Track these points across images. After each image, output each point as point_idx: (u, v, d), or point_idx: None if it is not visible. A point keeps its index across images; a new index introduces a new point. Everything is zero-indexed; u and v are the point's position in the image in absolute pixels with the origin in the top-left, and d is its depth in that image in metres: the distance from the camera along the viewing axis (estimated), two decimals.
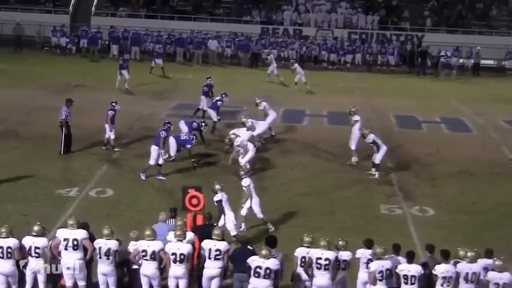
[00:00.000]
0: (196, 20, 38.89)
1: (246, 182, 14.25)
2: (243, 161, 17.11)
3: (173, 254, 10.89)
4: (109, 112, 19.20)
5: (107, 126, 19.20)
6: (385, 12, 40.02)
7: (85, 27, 37.04)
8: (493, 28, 39.15)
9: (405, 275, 10.62)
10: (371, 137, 18.22)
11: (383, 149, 18.21)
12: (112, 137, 19.23)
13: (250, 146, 17.72)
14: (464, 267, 10.72)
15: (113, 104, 19.40)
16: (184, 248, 10.91)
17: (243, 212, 14.31)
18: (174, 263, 10.91)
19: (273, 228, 14.30)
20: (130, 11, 39.85)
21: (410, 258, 10.81)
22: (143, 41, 36.20)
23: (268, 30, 38.41)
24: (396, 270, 10.74)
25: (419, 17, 39.58)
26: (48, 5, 39.63)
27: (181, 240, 10.97)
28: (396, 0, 40.69)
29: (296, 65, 29.39)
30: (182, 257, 10.86)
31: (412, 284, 10.58)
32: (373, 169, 18.24)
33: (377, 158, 18.13)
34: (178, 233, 11.03)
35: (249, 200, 14.22)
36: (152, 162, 17.13)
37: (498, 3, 40.80)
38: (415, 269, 10.64)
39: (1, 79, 27.88)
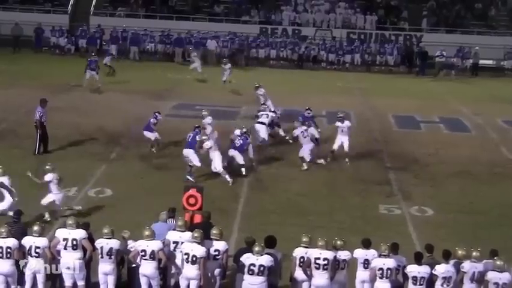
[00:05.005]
0: (195, 20, 38.87)
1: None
2: (219, 168, 17.17)
3: (186, 254, 10.89)
4: (151, 120, 19.28)
5: (146, 133, 19.15)
6: (384, 12, 40.04)
7: (84, 27, 37.02)
8: (492, 28, 39.18)
9: (414, 277, 10.64)
10: (298, 131, 18.68)
11: (309, 145, 18.57)
12: (152, 138, 19.16)
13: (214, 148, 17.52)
14: (470, 266, 10.75)
15: (156, 114, 19.54)
16: (198, 250, 10.87)
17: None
18: (187, 263, 10.91)
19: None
20: (128, 11, 39.83)
21: (419, 259, 10.80)
22: (142, 41, 36.20)
23: (267, 31, 38.40)
24: (405, 271, 10.78)
25: (417, 17, 39.58)
26: (46, 5, 39.57)
27: (198, 243, 10.92)
28: (395, 0, 40.70)
29: (229, 65, 28.31)
30: (194, 258, 10.83)
31: (421, 285, 10.61)
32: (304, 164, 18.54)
33: (302, 152, 18.56)
34: (195, 235, 10.98)
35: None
36: (198, 163, 17.03)
37: (497, 3, 40.81)
38: (424, 270, 10.65)
39: (0, 79, 27.84)
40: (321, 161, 19.00)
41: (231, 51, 35.84)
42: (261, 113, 20.66)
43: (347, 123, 19.33)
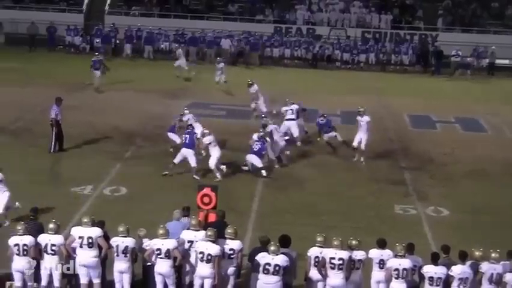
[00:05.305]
0: (209, 19, 38.89)
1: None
2: (212, 163, 17.31)
3: (201, 252, 10.90)
4: (176, 123, 19.32)
5: (170, 134, 19.15)
6: (399, 11, 39.86)
7: (99, 26, 37.17)
8: (509, 27, 38.78)
9: (430, 277, 10.59)
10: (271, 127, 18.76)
11: (282, 142, 18.77)
12: (178, 141, 18.95)
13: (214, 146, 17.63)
14: (489, 267, 10.69)
15: (182, 114, 19.57)
16: (213, 248, 10.89)
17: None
18: (201, 261, 10.92)
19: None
20: (143, 10, 39.92)
21: (436, 260, 10.75)
22: (156, 40, 36.27)
23: (281, 30, 38.34)
24: (422, 271, 10.73)
25: (433, 16, 39.35)
26: (62, 4, 39.76)
27: (212, 241, 10.94)
28: None
29: (222, 64, 28.06)
30: (209, 257, 10.85)
31: (437, 285, 10.55)
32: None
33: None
34: (209, 233, 11.01)
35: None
36: (195, 164, 17.22)
37: None
38: (441, 271, 10.59)
39: (16, 78, 28.00)
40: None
41: (238, 49, 35.77)
42: (285, 108, 20.55)
43: (365, 118, 19.15)
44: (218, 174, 17.29)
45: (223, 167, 17.65)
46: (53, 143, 18.82)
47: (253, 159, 17.67)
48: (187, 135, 17.50)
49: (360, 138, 19.04)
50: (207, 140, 17.37)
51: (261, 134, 18.13)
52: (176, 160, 17.36)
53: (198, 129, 18.17)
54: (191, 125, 18.21)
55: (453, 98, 28.98)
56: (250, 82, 23.24)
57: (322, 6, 39.70)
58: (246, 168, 17.85)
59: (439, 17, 39.06)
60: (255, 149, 17.72)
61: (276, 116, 21.16)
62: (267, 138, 18.19)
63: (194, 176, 17.12)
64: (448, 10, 39.65)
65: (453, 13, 39.69)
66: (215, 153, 17.40)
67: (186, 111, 19.62)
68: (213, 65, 33.41)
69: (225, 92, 26.92)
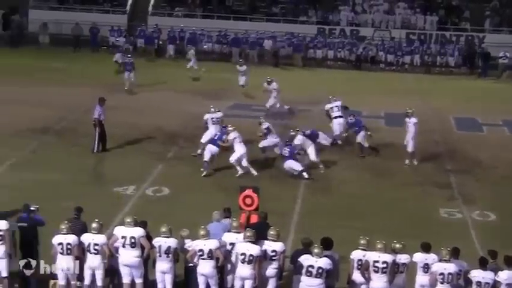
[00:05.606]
0: (252, 20, 38.86)
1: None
2: (233, 158, 17.52)
3: (242, 254, 10.87)
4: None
5: None
6: (445, 12, 39.24)
7: (143, 27, 37.47)
8: None
9: (478, 282, 10.42)
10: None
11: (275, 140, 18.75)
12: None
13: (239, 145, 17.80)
14: None
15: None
16: (254, 249, 10.85)
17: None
18: (242, 263, 10.88)
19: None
20: (186, 11, 40.10)
21: (484, 264, 10.58)
22: (199, 41, 36.36)
23: (324, 31, 38.09)
24: (469, 276, 10.54)
25: (480, 17, 38.63)
26: (106, 5, 40.20)
27: (252, 242, 10.90)
28: (457, 0, 39.84)
29: (245, 66, 27.35)
30: (251, 258, 10.81)
31: None
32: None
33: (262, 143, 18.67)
34: (248, 234, 10.97)
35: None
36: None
37: None
38: (489, 276, 10.40)
39: (60, 78, 28.36)
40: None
41: (273, 49, 35.51)
42: (329, 106, 20.67)
43: (413, 119, 18.92)
44: (239, 168, 17.47)
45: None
46: (96, 143, 18.98)
47: (292, 164, 17.63)
48: (219, 133, 17.96)
49: (407, 140, 18.80)
50: (231, 136, 17.63)
51: (291, 134, 18.36)
52: (206, 157, 17.60)
53: (215, 131, 18.43)
54: (225, 126, 18.34)
55: (500, 100, 28.30)
56: (269, 79, 23.52)
57: (366, 7, 39.33)
58: (295, 173, 17.75)
59: (486, 18, 38.32)
60: (286, 155, 17.77)
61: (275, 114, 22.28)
62: (294, 141, 18.14)
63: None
64: (496, 11, 38.87)
65: (501, 14, 38.90)
66: (239, 149, 17.59)
67: (212, 109, 19.55)
68: (256, 66, 33.61)
69: (244, 94, 26.78)
